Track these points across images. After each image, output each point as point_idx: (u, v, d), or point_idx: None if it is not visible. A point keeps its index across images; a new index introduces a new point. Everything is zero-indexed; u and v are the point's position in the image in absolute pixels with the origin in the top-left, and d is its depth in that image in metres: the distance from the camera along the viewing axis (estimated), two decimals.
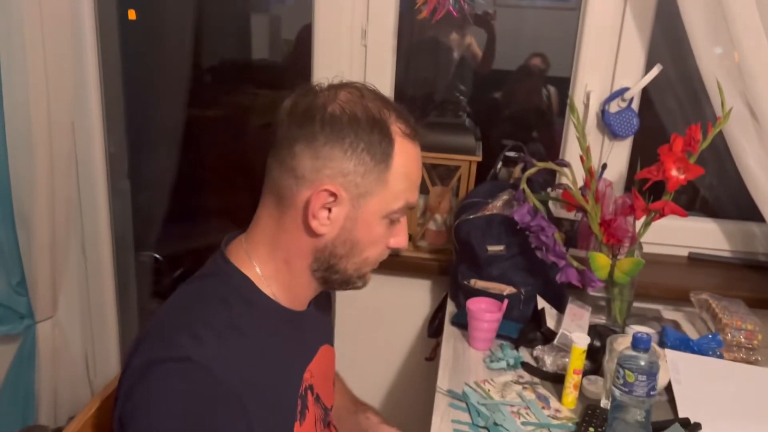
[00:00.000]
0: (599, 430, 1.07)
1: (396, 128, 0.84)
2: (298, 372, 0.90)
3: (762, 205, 1.46)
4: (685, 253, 1.70)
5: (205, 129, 2.45)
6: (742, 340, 1.29)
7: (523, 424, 1.09)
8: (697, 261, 1.68)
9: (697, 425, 1.09)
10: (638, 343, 1.00)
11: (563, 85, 1.81)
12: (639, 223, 1.39)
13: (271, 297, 0.88)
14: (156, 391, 0.76)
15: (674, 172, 1.31)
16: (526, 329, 1.37)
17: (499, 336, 1.35)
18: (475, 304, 1.34)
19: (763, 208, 1.46)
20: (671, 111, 1.75)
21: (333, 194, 0.82)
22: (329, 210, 0.83)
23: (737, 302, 1.40)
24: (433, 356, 1.66)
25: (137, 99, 2.07)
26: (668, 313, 1.52)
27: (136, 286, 2.17)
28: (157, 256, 2.30)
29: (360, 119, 0.82)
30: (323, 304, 1.05)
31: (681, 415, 1.12)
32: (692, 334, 1.40)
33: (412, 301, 1.75)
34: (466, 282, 1.45)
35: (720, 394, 1.18)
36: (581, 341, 1.13)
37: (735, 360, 1.29)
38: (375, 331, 1.77)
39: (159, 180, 2.21)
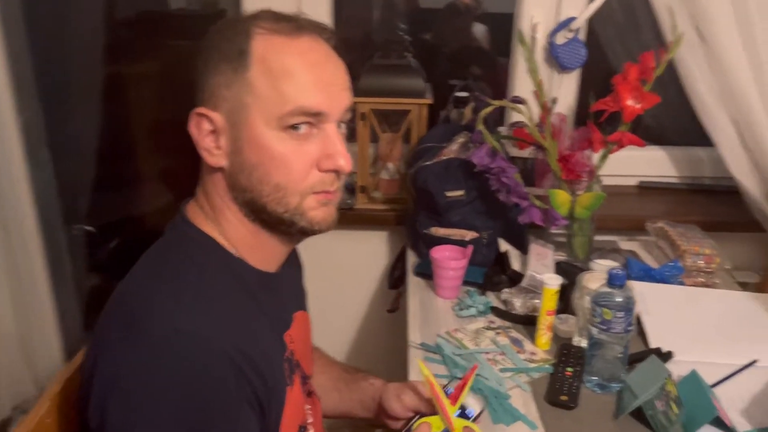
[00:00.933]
0: (577, 368, 1.06)
1: (258, 27, 0.76)
2: (279, 335, 0.84)
3: (712, 129, 1.46)
4: (634, 182, 1.71)
5: (126, 87, 2.26)
6: (702, 264, 1.31)
7: (501, 371, 1.07)
8: (647, 189, 1.70)
9: (669, 354, 1.10)
10: (614, 280, 0.98)
11: (500, 21, 1.75)
12: (596, 157, 1.37)
13: (238, 257, 0.80)
14: (147, 370, 0.67)
15: (630, 102, 1.28)
16: (490, 273, 1.35)
17: (464, 283, 1.32)
18: (439, 253, 1.30)
19: (712, 133, 1.47)
20: (610, 40, 1.73)
21: (207, 118, 0.76)
22: (218, 140, 0.77)
23: (692, 227, 1.42)
24: (396, 307, 1.62)
25: (47, 58, 1.87)
26: (624, 244, 1.53)
27: (70, 262, 2.02)
28: (89, 228, 2.14)
29: (221, 30, 0.77)
30: (296, 268, 0.99)
31: (652, 345, 1.14)
32: (650, 262, 1.41)
33: (369, 254, 1.70)
34: (426, 231, 1.40)
35: (687, 320, 1.20)
36: (553, 282, 1.11)
37: (696, 285, 1.31)
38: (334, 286, 1.72)
39: (83, 146, 2.03)
